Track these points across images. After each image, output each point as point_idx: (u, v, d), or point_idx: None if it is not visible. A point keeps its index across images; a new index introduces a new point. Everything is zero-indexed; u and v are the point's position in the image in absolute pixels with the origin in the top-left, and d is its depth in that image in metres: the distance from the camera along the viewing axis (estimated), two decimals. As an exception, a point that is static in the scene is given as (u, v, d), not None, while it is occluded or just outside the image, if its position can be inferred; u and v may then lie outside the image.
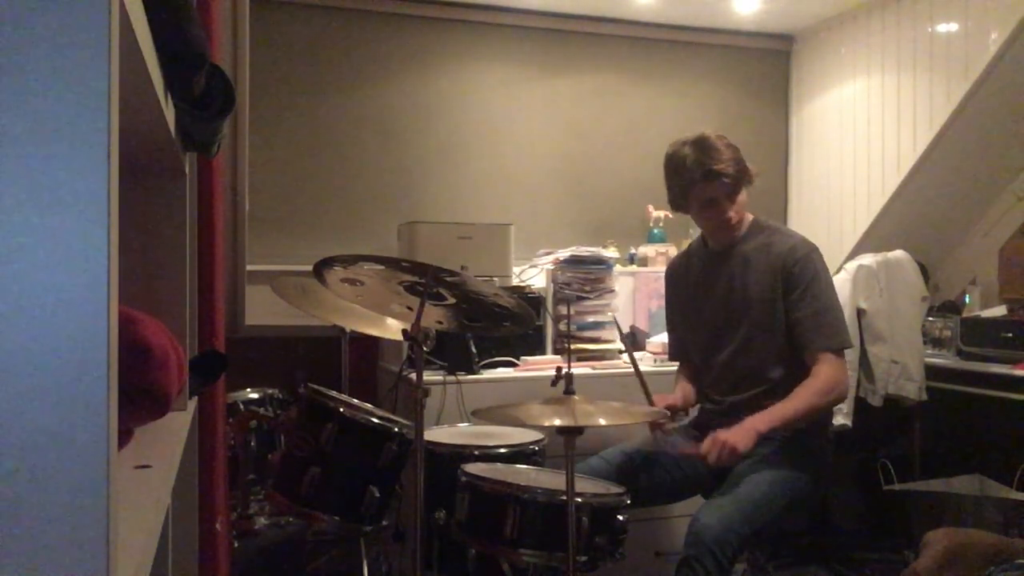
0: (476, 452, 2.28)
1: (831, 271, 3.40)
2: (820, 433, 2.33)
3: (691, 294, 2.47)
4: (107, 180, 0.45)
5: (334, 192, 3.57)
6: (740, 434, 2.09)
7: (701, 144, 2.26)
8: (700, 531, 1.99)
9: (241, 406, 2.75)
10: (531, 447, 2.34)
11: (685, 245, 3.01)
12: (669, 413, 2.22)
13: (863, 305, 3.18)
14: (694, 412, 2.52)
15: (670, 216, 3.73)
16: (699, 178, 2.25)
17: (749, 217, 2.38)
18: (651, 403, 2.27)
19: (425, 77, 3.69)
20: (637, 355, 3.12)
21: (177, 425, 1.14)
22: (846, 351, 2.28)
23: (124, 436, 0.96)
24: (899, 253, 3.30)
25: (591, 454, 2.35)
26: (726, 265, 2.37)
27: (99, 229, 0.45)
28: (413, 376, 1.96)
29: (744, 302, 2.31)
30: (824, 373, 2.18)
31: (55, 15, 0.44)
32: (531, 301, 2.87)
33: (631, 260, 3.71)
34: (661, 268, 3.37)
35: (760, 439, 2.13)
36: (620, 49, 3.95)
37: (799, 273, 2.24)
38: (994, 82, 3.19)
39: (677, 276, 2.56)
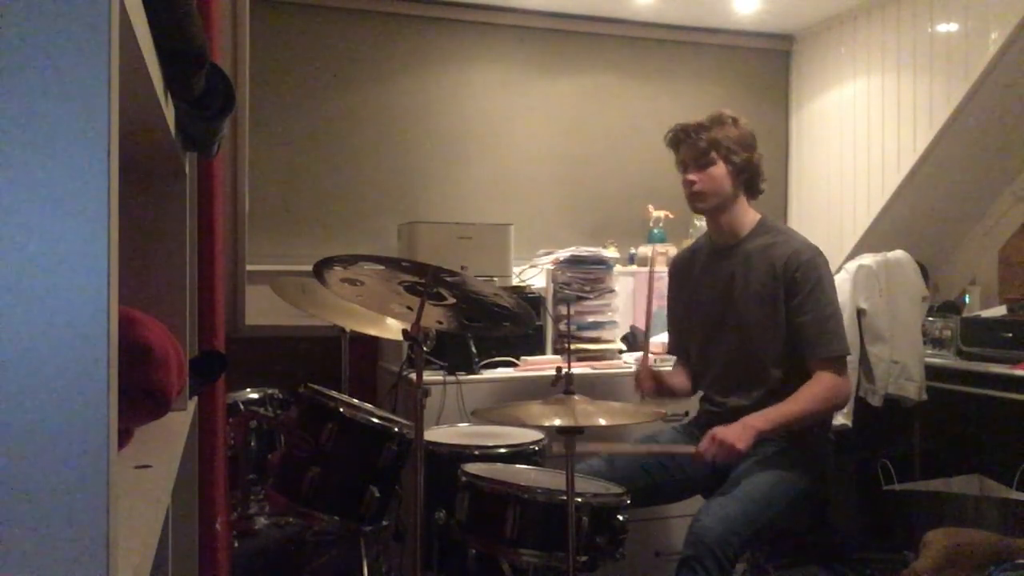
0: (476, 452, 2.28)
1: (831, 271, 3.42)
2: (821, 435, 2.33)
3: (692, 289, 2.48)
4: (107, 180, 0.45)
5: (334, 192, 3.57)
6: (738, 432, 2.09)
7: (709, 115, 2.34)
8: (701, 532, 1.99)
9: (241, 406, 2.75)
10: (531, 447, 2.34)
11: (685, 245, 3.01)
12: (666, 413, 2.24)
13: (863, 305, 3.18)
14: (693, 412, 2.52)
15: (670, 216, 3.74)
16: (671, 138, 2.37)
17: (756, 216, 2.38)
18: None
19: (425, 77, 3.69)
20: (636, 355, 3.15)
21: (177, 425, 1.14)
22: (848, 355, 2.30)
23: (124, 436, 0.96)
24: (899, 253, 3.30)
25: (591, 454, 2.35)
26: (728, 262, 2.37)
27: (99, 229, 0.45)
28: (413, 376, 1.96)
29: (743, 301, 2.31)
30: (827, 379, 2.18)
31: (55, 15, 0.44)
32: (531, 301, 2.88)
33: (631, 260, 3.70)
34: (661, 268, 3.38)
35: (761, 439, 2.13)
36: (620, 49, 3.95)
37: (802, 279, 2.22)
38: (994, 82, 3.19)
39: (680, 270, 2.56)
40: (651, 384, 2.41)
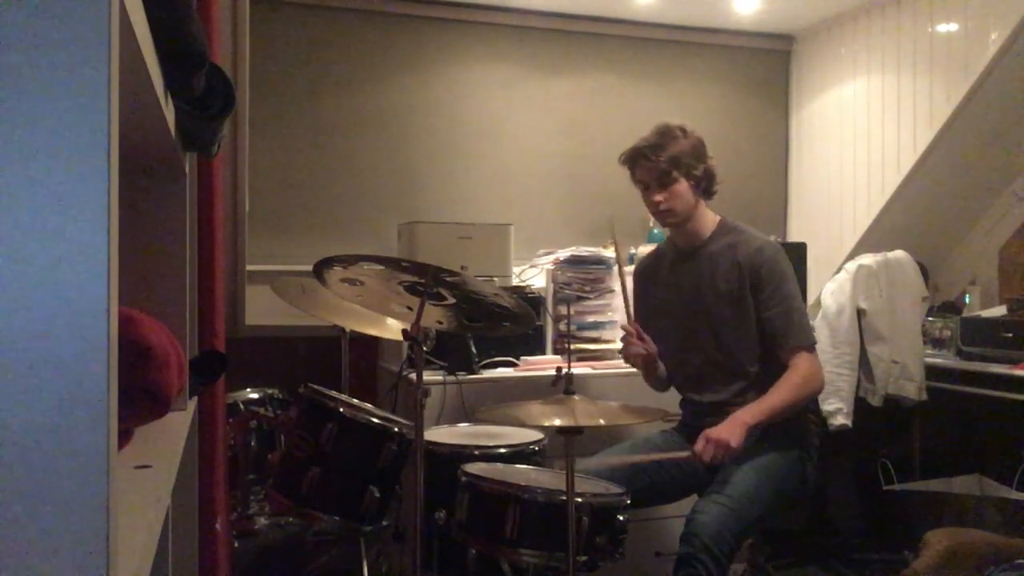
0: (476, 452, 2.28)
1: (831, 271, 3.43)
2: (801, 415, 2.36)
3: (661, 293, 2.51)
4: (107, 180, 0.45)
5: (334, 192, 3.57)
6: (729, 429, 2.12)
7: (656, 130, 2.36)
8: (695, 529, 2.02)
9: (241, 406, 2.75)
10: (531, 447, 2.34)
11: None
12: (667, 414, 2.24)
13: (863, 305, 3.18)
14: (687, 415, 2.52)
15: (670, 216, 3.73)
16: (626, 158, 2.38)
17: (716, 218, 2.43)
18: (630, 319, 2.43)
19: (425, 77, 3.69)
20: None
21: (177, 425, 1.14)
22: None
23: (124, 436, 0.96)
24: (899, 253, 3.30)
25: (591, 454, 2.36)
26: (693, 264, 2.41)
27: (99, 229, 0.45)
28: (413, 376, 1.96)
29: (713, 300, 2.35)
30: (802, 367, 2.24)
31: (55, 15, 0.44)
32: (531, 301, 2.87)
33: (631, 260, 3.70)
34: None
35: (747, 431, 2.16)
36: (620, 49, 3.95)
37: (767, 274, 2.29)
38: (994, 82, 3.19)
39: (646, 275, 2.59)
40: (643, 350, 2.39)
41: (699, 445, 2.13)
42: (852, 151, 3.79)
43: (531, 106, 3.83)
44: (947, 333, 3.40)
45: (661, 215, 2.38)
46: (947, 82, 3.32)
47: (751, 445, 2.23)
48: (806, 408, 2.39)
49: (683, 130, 2.35)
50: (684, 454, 2.19)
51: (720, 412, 2.27)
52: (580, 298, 3.14)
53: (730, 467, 2.19)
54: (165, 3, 0.74)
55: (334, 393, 2.40)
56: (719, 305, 2.34)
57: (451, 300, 1.98)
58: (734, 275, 2.32)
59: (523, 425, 2.33)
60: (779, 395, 2.21)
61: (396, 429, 2.28)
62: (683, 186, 2.33)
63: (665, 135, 2.33)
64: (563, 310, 3.05)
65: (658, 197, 2.34)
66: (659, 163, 2.31)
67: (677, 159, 2.31)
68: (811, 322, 2.55)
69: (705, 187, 2.38)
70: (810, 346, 2.29)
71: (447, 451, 2.29)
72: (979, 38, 3.19)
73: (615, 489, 2.05)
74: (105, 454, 0.45)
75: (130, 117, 0.83)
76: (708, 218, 2.42)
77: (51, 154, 0.44)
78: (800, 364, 2.24)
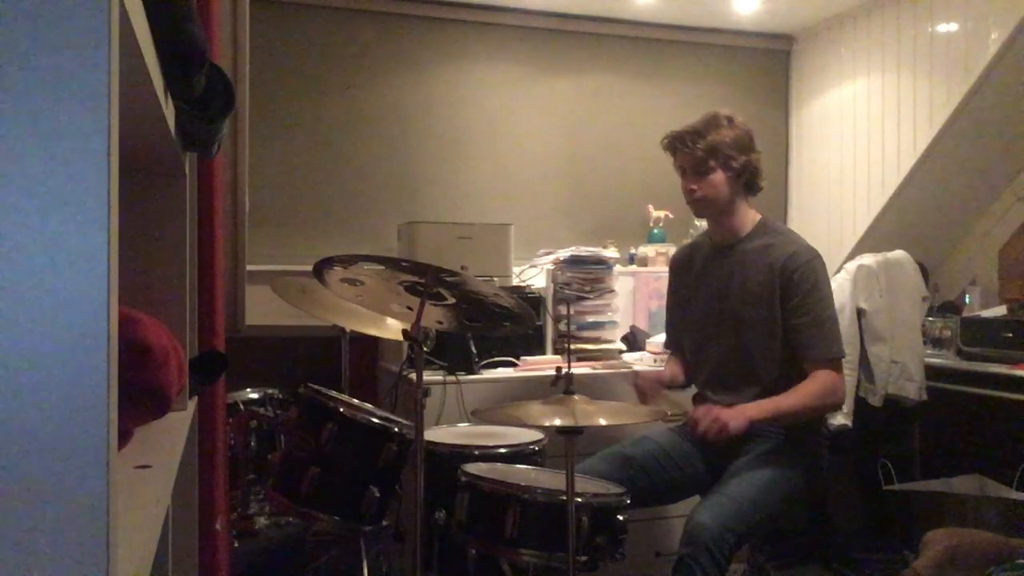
0: (476, 452, 2.28)
1: (831, 271, 3.42)
2: (815, 431, 2.34)
3: (690, 286, 2.49)
4: (107, 180, 0.45)
5: (334, 192, 3.57)
6: (731, 413, 2.12)
7: (703, 117, 2.33)
8: (695, 530, 2.00)
9: (241, 406, 2.75)
10: (531, 447, 2.34)
11: (685, 242, 3.01)
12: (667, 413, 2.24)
13: (863, 305, 3.18)
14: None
15: (670, 216, 3.74)
16: (667, 144, 2.37)
17: (756, 216, 2.38)
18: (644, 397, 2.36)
19: (425, 77, 3.69)
20: (636, 355, 3.16)
21: (177, 425, 1.14)
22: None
23: (124, 436, 0.96)
24: (899, 253, 3.30)
25: (591, 454, 2.35)
26: (726, 261, 2.37)
27: (99, 229, 0.45)
28: (413, 376, 1.96)
29: (740, 300, 2.32)
30: (825, 378, 2.19)
31: (55, 15, 0.44)
32: (531, 301, 2.88)
33: (631, 260, 3.71)
34: (661, 268, 3.38)
35: (755, 434, 2.15)
36: (620, 49, 3.95)
37: (799, 280, 2.23)
38: (994, 82, 3.19)
39: (680, 266, 2.57)
40: (661, 392, 2.39)
41: (699, 412, 2.13)
42: (852, 151, 3.79)
43: (531, 106, 3.83)
44: (947, 333, 3.40)
45: (694, 204, 2.35)
46: (947, 82, 3.32)
47: (762, 453, 2.22)
48: (818, 429, 2.36)
49: (729, 119, 2.31)
50: (682, 414, 2.20)
51: None
52: (580, 298, 3.14)
53: (736, 470, 2.18)
54: (165, 3, 0.74)
55: (334, 393, 2.40)
56: (745, 306, 2.30)
57: (451, 300, 1.98)
58: (765, 277, 2.27)
59: (523, 425, 2.33)
60: (791, 399, 2.17)
61: (396, 429, 2.28)
62: (719, 177, 2.29)
63: (709, 123, 2.29)
64: (563, 310, 3.05)
65: (692, 185, 2.31)
66: (696, 151, 2.27)
67: (715, 148, 2.26)
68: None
69: (746, 181, 2.32)
70: (836, 360, 2.23)
71: (447, 451, 2.29)
72: (979, 38, 3.19)
73: (615, 489, 2.05)
74: (105, 454, 0.45)
75: (130, 117, 0.83)
76: (748, 215, 2.36)
77: (51, 154, 0.44)
78: (822, 375, 2.18)
